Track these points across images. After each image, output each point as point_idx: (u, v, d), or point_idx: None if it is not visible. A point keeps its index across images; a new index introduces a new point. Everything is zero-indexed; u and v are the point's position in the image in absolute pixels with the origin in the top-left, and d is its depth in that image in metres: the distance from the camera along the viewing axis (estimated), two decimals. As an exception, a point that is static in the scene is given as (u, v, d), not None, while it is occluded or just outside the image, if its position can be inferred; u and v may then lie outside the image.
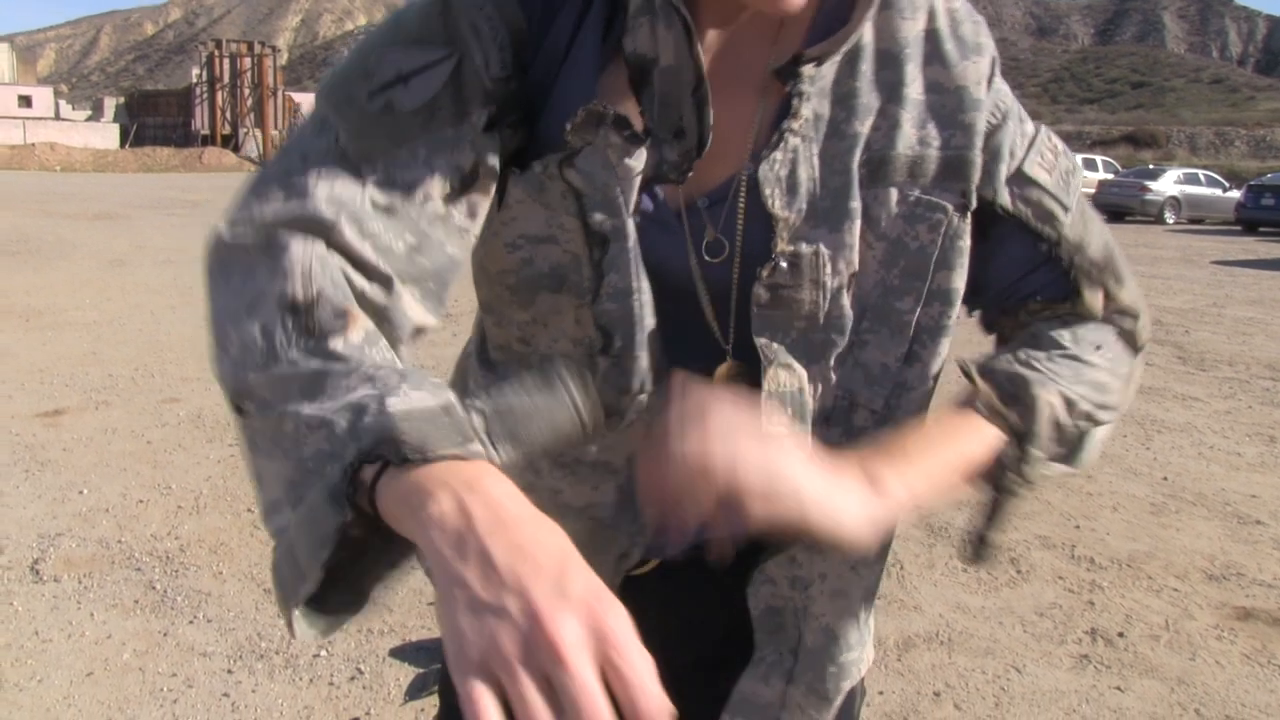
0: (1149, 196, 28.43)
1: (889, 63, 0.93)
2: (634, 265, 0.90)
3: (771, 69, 0.91)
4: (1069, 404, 0.94)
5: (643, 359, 0.92)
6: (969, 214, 0.95)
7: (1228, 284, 13.86)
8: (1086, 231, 1.00)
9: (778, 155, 0.90)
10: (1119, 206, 29.08)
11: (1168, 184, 28.98)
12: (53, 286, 9.99)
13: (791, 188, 0.91)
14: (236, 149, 57.70)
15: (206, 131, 59.67)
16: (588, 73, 0.90)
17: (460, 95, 0.85)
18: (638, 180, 0.89)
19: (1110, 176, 31.72)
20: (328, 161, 0.82)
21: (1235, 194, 28.39)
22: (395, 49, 0.86)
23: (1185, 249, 19.97)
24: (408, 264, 0.82)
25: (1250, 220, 26.01)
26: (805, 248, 0.92)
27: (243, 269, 0.78)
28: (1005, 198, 0.97)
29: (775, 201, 0.91)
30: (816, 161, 0.92)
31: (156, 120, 62.90)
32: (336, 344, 0.72)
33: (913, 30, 0.94)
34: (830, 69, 0.91)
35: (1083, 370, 0.96)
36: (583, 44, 0.91)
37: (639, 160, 0.88)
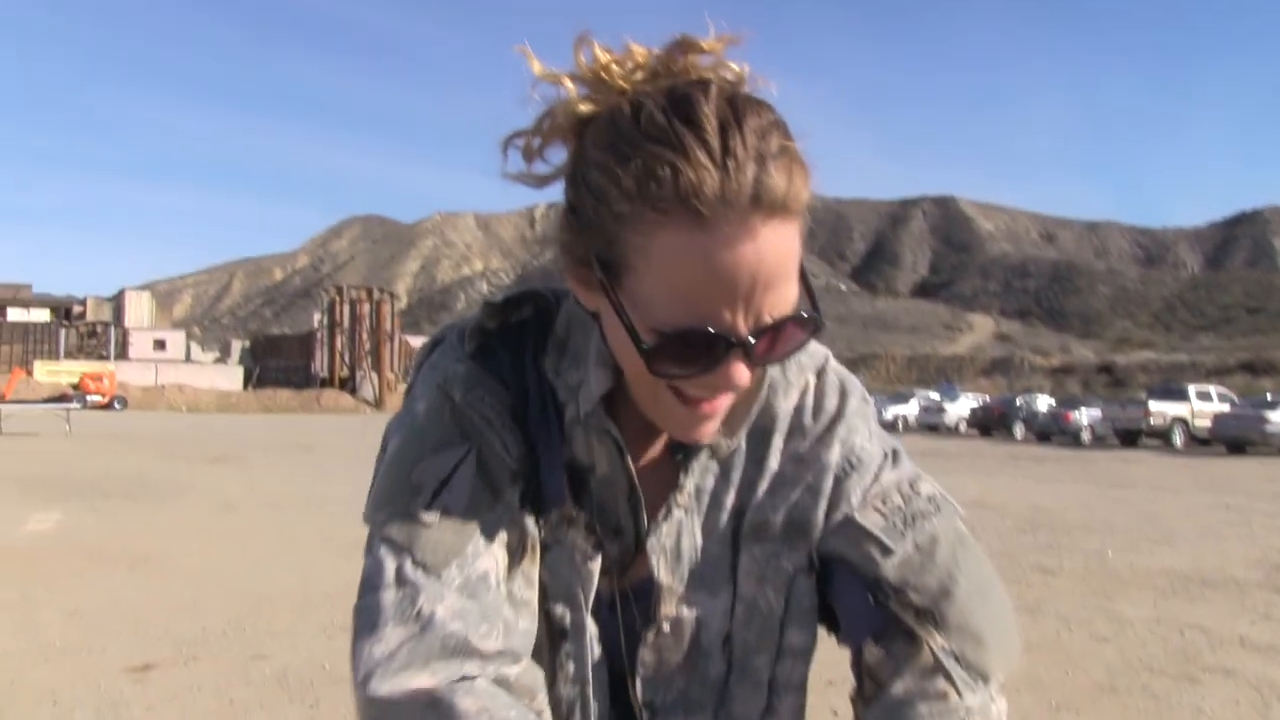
0: (1269, 428, 27.61)
1: (762, 438, 1.05)
2: (589, 657, 1.01)
3: (675, 457, 1.04)
4: None
5: None
6: (813, 573, 1.04)
7: (1356, 522, 13.16)
8: (923, 574, 1.02)
9: (665, 527, 1.02)
10: (1239, 439, 28.28)
11: (1289, 414, 28.10)
12: (163, 531, 10.39)
13: (677, 556, 1.02)
14: (353, 391, 59.90)
15: (325, 374, 62.23)
16: (559, 472, 1.00)
17: (490, 480, 0.95)
18: (597, 578, 1.00)
19: (1228, 408, 30.91)
20: (420, 578, 0.90)
21: (1362, 423, 27.32)
22: (427, 459, 0.95)
23: (1311, 483, 19.13)
24: (514, 648, 0.92)
25: (1380, 452, 24.95)
26: (686, 612, 1.03)
27: None
28: (831, 544, 1.04)
29: (661, 570, 1.02)
30: (698, 532, 1.03)
31: (278, 363, 66.05)
32: None
33: (785, 406, 1.05)
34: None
35: None
36: (550, 442, 1.01)
37: (598, 560, 1.00)
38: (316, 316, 65.40)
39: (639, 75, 0.89)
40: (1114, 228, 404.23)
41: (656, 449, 1.04)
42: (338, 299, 65.03)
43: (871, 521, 1.03)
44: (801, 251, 0.86)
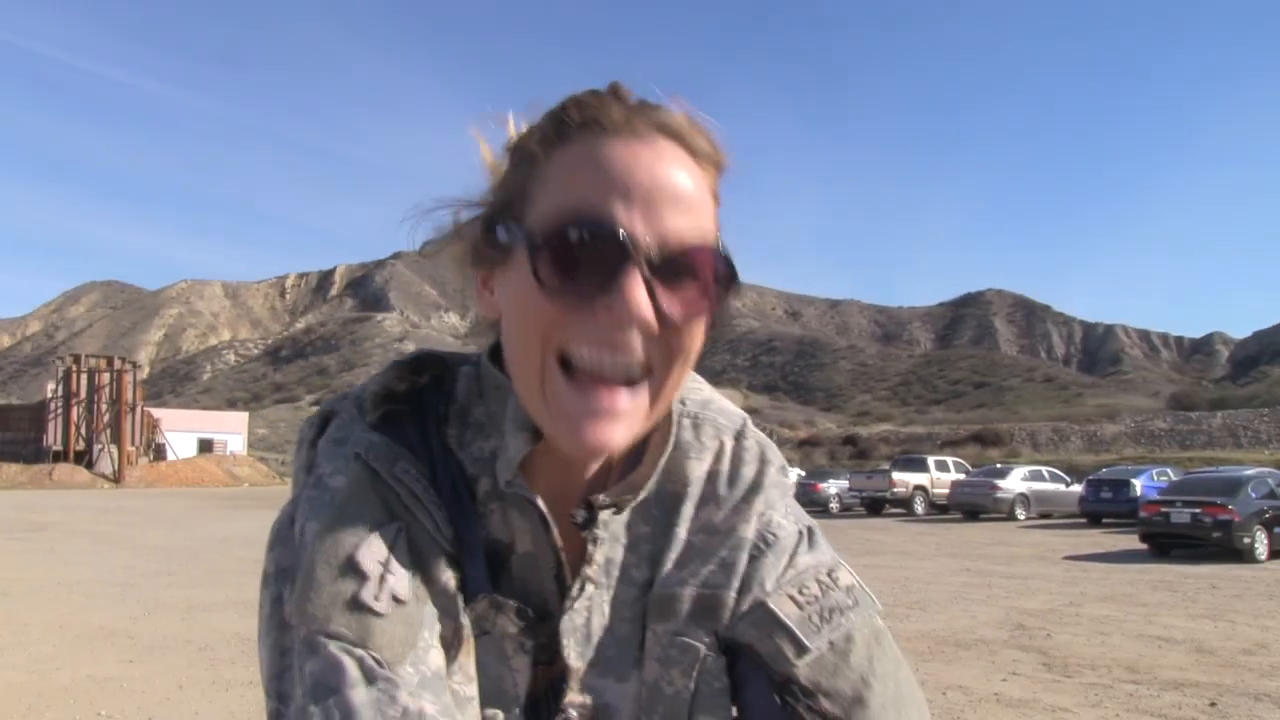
0: (1000, 495, 29.68)
1: (671, 504, 0.97)
2: None
3: (574, 520, 0.92)
4: None
5: None
6: (722, 654, 0.94)
7: (1081, 580, 14.29)
8: (837, 677, 0.92)
9: (579, 605, 0.91)
10: (973, 505, 30.26)
11: (1016, 481, 30.40)
12: None
13: (586, 636, 0.92)
14: (90, 465, 55.93)
15: (59, 447, 57.85)
16: (479, 555, 0.89)
17: (423, 563, 0.84)
18: (529, 668, 0.88)
19: (962, 476, 33.04)
20: (392, 679, 0.77)
21: (1077, 488, 29.81)
22: (362, 545, 0.81)
23: (1039, 545, 20.66)
24: None
25: (1093, 513, 27.42)
26: (592, 699, 0.92)
27: None
28: (740, 630, 0.94)
29: (571, 652, 0.90)
30: (607, 609, 0.93)
31: (6, 435, 60.95)
32: None
33: (697, 471, 0.98)
34: (625, 514, 0.95)
35: None
36: (464, 523, 0.90)
37: (530, 650, 0.88)
38: (50, 386, 60.74)
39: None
40: (854, 305, 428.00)
41: (566, 520, 0.94)
42: (74, 367, 60.74)
43: (786, 611, 0.93)
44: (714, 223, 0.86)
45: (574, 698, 0.90)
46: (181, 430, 70.10)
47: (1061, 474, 32.94)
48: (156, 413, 68.38)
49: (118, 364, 62.77)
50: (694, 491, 0.97)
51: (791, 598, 0.94)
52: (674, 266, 0.80)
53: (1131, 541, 20.09)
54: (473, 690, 0.84)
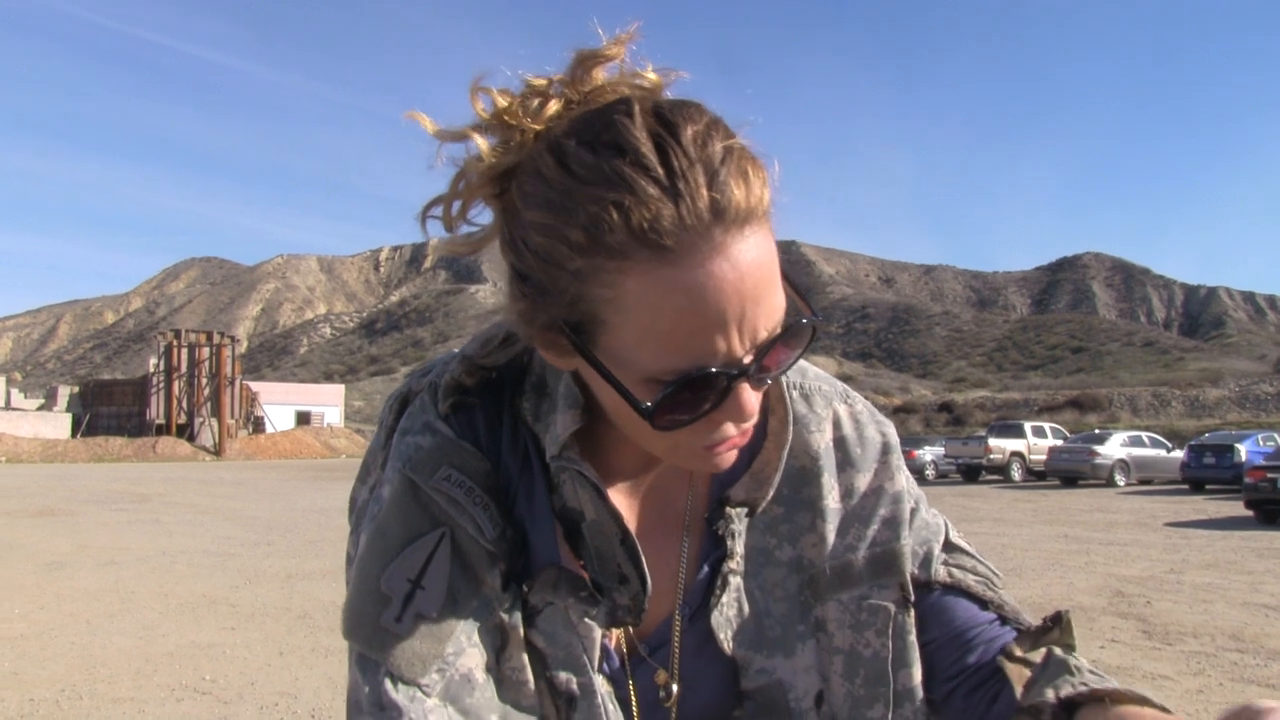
0: (1098, 461, 29.01)
1: (806, 479, 0.97)
2: (605, 719, 0.90)
3: (704, 516, 0.97)
4: None
5: None
6: (910, 606, 0.96)
7: (1183, 548, 13.89)
8: (1018, 603, 1.01)
9: (724, 599, 0.94)
10: (1070, 472, 29.64)
11: (1115, 447, 29.66)
12: (-17, 597, 9.62)
13: (742, 627, 0.94)
14: (191, 438, 57.63)
15: (161, 421, 59.66)
16: (547, 528, 0.92)
17: (468, 566, 0.87)
18: (599, 636, 0.91)
19: (1059, 443, 32.39)
20: (401, 698, 0.83)
21: (1179, 454, 29.03)
22: (395, 562, 0.87)
23: (1138, 512, 20.15)
24: None
25: (1196, 479, 26.61)
26: (767, 680, 0.94)
27: None
28: (943, 572, 0.99)
29: (729, 645, 0.94)
30: (759, 594, 0.95)
31: (111, 409, 62.90)
32: None
33: (822, 442, 0.98)
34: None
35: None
36: (534, 497, 0.93)
37: (599, 614, 0.91)
38: (152, 361, 62.44)
39: (550, 110, 0.81)
40: (949, 271, 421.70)
41: (652, 487, 0.98)
42: (175, 343, 62.41)
43: (965, 546, 1.04)
44: (779, 253, 0.79)
45: (747, 685, 0.95)
46: (279, 403, 71.92)
47: (1162, 440, 32.08)
48: (255, 386, 70.08)
49: (216, 339, 64.29)
50: (827, 463, 0.98)
51: (961, 536, 1.05)
52: (768, 348, 0.78)
53: (1236, 508, 19.49)
54: (526, 675, 0.88)
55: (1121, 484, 28.95)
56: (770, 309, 0.76)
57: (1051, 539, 15.03)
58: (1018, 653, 0.93)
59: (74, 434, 58.64)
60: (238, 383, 63.47)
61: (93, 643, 7.60)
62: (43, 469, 40.18)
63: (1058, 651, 0.92)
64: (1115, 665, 6.84)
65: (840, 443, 1.00)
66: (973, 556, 1.03)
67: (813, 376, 1.03)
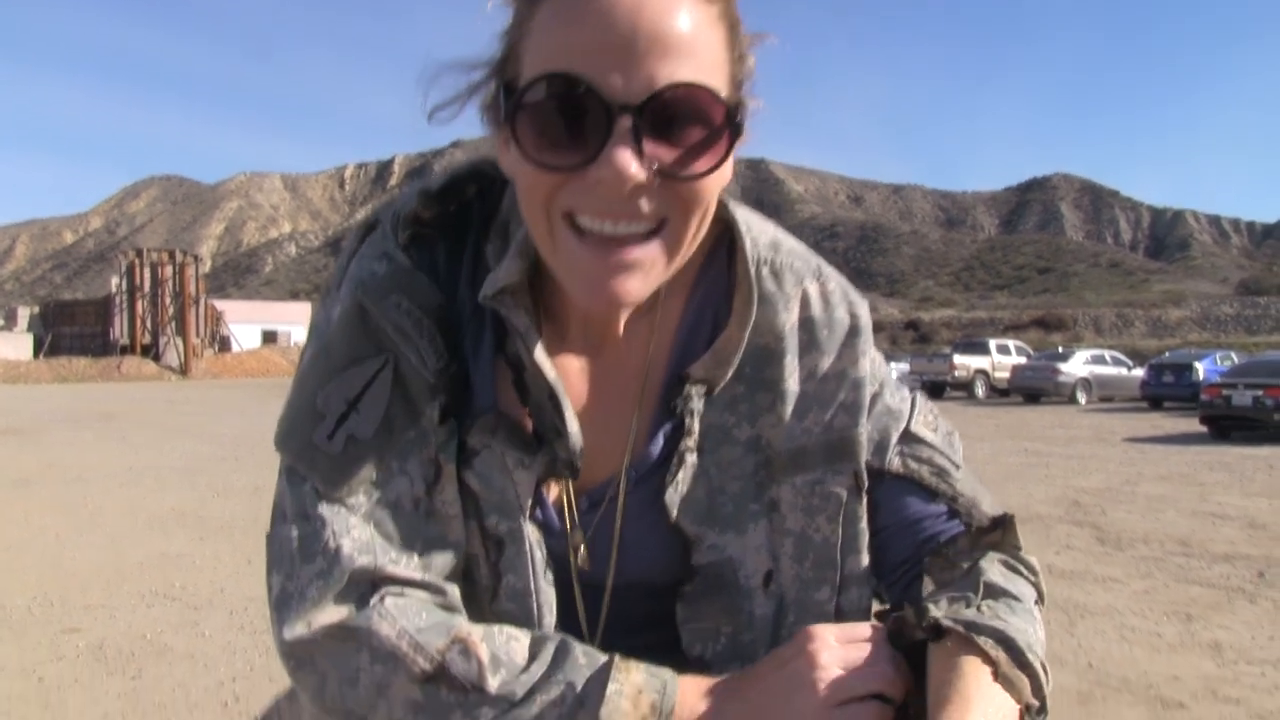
0: (1061, 379, 29.38)
1: (768, 359, 0.95)
2: (531, 567, 0.91)
3: (660, 389, 0.96)
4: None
5: None
6: (863, 493, 0.97)
7: (1139, 461, 14.19)
8: (977, 492, 1.00)
9: (680, 475, 0.93)
10: (1034, 389, 29.99)
11: (1078, 366, 30.02)
12: (-50, 512, 9.61)
13: (695, 502, 0.94)
14: (157, 358, 57.02)
15: (125, 341, 58.86)
16: (487, 371, 0.93)
17: (408, 396, 0.88)
18: (533, 483, 0.91)
19: (1023, 360, 32.71)
20: (324, 511, 0.85)
21: (1139, 373, 29.44)
22: (334, 381, 0.88)
23: (1098, 428, 20.50)
24: (435, 566, 0.87)
25: (1155, 397, 27.09)
26: (718, 556, 0.94)
27: (336, 659, 0.82)
28: (897, 461, 0.98)
29: (685, 520, 0.94)
30: (714, 471, 0.95)
31: (73, 330, 61.93)
32: (491, 683, 0.81)
33: (788, 322, 0.96)
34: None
35: (1035, 622, 0.90)
36: (482, 340, 0.94)
37: (535, 463, 0.91)
38: (114, 281, 61.28)
39: None
40: (918, 191, 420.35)
41: (611, 353, 0.97)
42: (137, 262, 61.19)
43: (928, 435, 1.01)
44: (729, 52, 0.80)
45: (698, 560, 0.95)
46: (245, 322, 71.34)
47: (1124, 358, 32.48)
48: (220, 305, 69.30)
49: (180, 257, 63.13)
50: (791, 343, 0.96)
51: (924, 423, 1.02)
52: (668, 115, 0.76)
53: (1192, 425, 19.89)
54: (456, 510, 0.90)
55: (1083, 401, 29.36)
56: (675, 60, 0.75)
57: (1012, 453, 15.30)
58: (950, 553, 0.94)
59: (36, 355, 57.89)
60: (202, 302, 62.63)
61: (63, 555, 7.64)
62: (5, 390, 39.76)
63: (987, 561, 0.93)
64: (1069, 570, 7.04)
65: (807, 323, 0.97)
66: (931, 446, 1.00)
67: (785, 252, 0.99)
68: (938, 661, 0.82)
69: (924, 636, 0.84)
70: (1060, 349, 38.45)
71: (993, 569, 0.92)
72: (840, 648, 0.83)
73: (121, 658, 5.11)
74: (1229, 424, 18.42)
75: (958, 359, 33.60)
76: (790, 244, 1.01)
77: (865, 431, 0.97)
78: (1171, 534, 8.45)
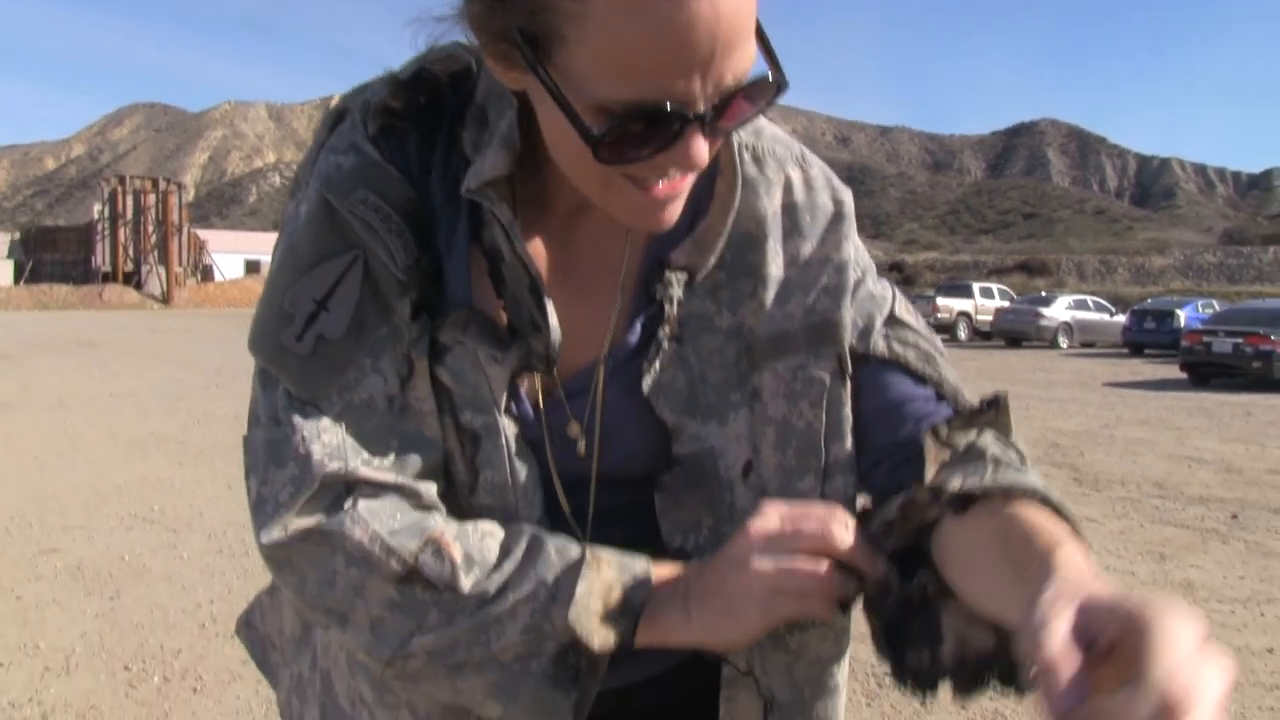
0: (1043, 322, 29.50)
1: (750, 245, 0.94)
2: (509, 461, 0.90)
3: (639, 276, 0.94)
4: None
5: None
6: (847, 378, 0.95)
7: (1119, 405, 14.30)
8: (960, 381, 0.99)
9: (658, 363, 0.91)
10: (1016, 332, 30.13)
11: (1060, 310, 30.13)
12: (-71, 434, 9.57)
13: (675, 392, 0.92)
14: (139, 286, 56.61)
15: (108, 269, 58.34)
16: (461, 264, 0.90)
17: (378, 293, 0.86)
18: (507, 377, 0.89)
19: (1006, 304, 32.84)
20: (295, 415, 0.84)
21: (1121, 319, 29.61)
22: (302, 280, 0.86)
23: (1079, 372, 20.63)
24: (410, 464, 0.86)
25: (1136, 343, 27.25)
26: (699, 446, 0.93)
27: (313, 561, 0.84)
28: (882, 345, 0.96)
29: (664, 410, 0.92)
30: (695, 360, 0.92)
31: (55, 257, 61.26)
32: (464, 582, 0.82)
33: (770, 208, 0.94)
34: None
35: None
36: (456, 231, 0.91)
37: (508, 357, 0.89)
38: (96, 208, 60.37)
39: None
40: (905, 133, 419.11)
41: (588, 243, 0.95)
42: (120, 189, 60.24)
43: (910, 320, 0.99)
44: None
45: (679, 450, 0.93)
46: (228, 252, 70.68)
47: (1106, 304, 32.60)
48: (203, 234, 68.48)
49: (163, 185, 62.35)
50: (773, 229, 0.94)
51: (907, 310, 1.00)
52: (730, 99, 0.75)
53: (1172, 371, 20.01)
54: (430, 406, 0.88)
55: (1065, 346, 29.53)
56: (740, 59, 0.72)
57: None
58: (944, 433, 0.92)
59: (17, 281, 57.35)
60: (185, 231, 61.95)
61: (42, 478, 7.64)
62: (-15, 314, 39.49)
63: (984, 438, 0.91)
64: (1044, 509, 7.11)
65: (789, 209, 0.96)
66: (915, 331, 0.98)
67: (768, 138, 0.97)
68: (969, 531, 0.81)
69: (936, 516, 0.83)
70: (1043, 293, 38.48)
71: (995, 445, 0.90)
72: (783, 520, 0.83)
73: (100, 578, 5.12)
74: (1208, 370, 18.54)
75: (941, 301, 33.64)
76: (772, 130, 0.99)
77: (848, 315, 0.95)
78: (1148, 476, 8.53)
